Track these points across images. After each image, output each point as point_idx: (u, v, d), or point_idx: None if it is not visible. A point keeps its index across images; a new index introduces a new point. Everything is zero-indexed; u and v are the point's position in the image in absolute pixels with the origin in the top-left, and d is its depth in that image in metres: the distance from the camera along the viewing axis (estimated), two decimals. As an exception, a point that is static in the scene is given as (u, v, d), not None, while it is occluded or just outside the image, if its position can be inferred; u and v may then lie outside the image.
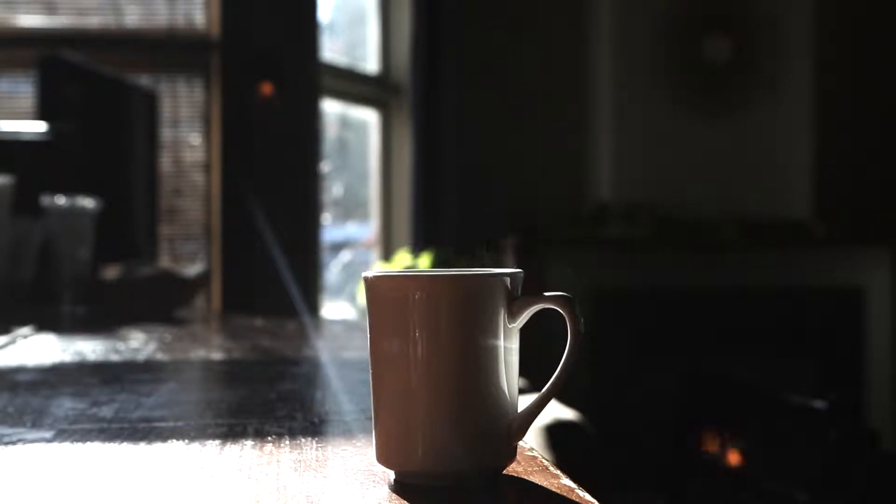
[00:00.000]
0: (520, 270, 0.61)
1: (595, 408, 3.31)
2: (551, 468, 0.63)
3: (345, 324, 2.10)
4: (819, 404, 2.85)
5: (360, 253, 4.34)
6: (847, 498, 2.76)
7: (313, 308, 3.49)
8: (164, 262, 3.37)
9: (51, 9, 3.52)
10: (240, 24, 3.50)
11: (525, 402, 0.62)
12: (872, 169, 4.30)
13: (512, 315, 0.60)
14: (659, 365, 3.84)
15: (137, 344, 1.38)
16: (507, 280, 0.60)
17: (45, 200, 1.84)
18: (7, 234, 1.77)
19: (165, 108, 3.45)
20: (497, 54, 4.12)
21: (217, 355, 1.34)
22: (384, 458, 0.60)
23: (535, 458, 0.65)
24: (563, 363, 0.60)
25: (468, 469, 0.59)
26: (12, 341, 1.36)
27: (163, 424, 0.78)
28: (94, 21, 3.56)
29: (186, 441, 0.71)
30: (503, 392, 0.60)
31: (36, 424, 0.78)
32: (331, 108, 4.06)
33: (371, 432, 0.62)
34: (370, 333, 0.61)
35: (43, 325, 1.54)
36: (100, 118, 2.39)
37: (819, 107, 4.13)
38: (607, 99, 4.06)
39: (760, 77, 4.10)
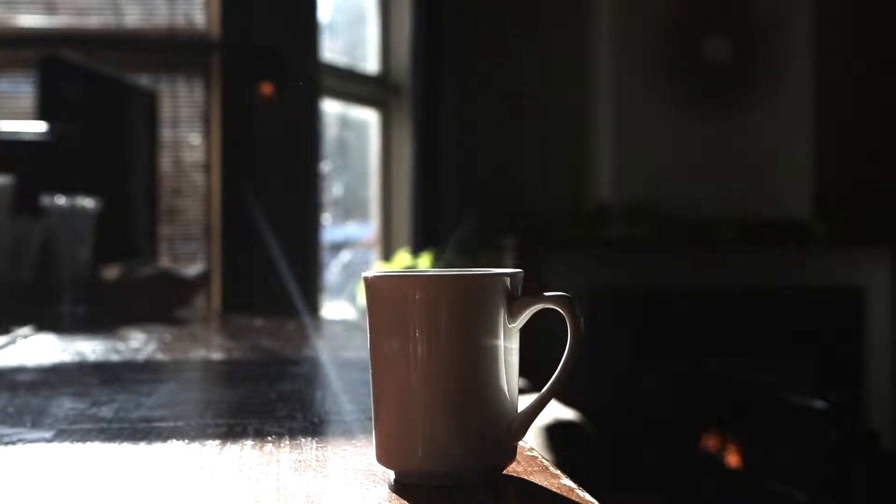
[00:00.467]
0: (520, 270, 0.61)
1: (595, 408, 3.32)
2: (551, 468, 0.63)
3: (345, 324, 2.10)
4: (819, 404, 2.85)
5: (360, 253, 4.34)
6: (847, 498, 2.77)
7: (313, 308, 3.49)
8: (164, 262, 3.37)
9: (51, 9, 3.52)
10: (240, 24, 3.50)
11: (525, 402, 0.62)
12: (872, 169, 4.30)
13: (512, 315, 0.60)
14: (659, 365, 3.84)
15: (137, 344, 1.38)
16: (507, 280, 0.60)
17: (45, 200, 1.84)
18: (7, 234, 1.77)
19: (165, 108, 3.45)
20: (497, 54, 4.12)
21: (217, 355, 1.34)
22: (384, 458, 0.60)
23: (535, 458, 0.65)
24: (563, 363, 0.60)
25: (468, 469, 0.59)
26: (12, 341, 1.36)
27: (163, 424, 0.78)
28: (94, 21, 3.56)
29: (186, 441, 0.71)
30: (503, 392, 0.60)
31: (36, 424, 0.78)
32: (331, 108, 4.06)
33: (371, 432, 0.62)
34: (370, 333, 0.61)
35: (43, 325, 1.54)
36: (100, 118, 2.39)
37: (819, 107, 4.13)
38: (607, 99, 4.06)
39: (760, 77, 4.10)
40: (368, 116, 4.23)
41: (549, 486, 0.59)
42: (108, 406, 0.86)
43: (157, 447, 0.70)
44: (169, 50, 3.58)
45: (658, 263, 3.97)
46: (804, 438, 2.87)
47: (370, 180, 4.25)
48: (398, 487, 0.58)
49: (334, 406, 0.89)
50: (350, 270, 4.27)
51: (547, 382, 0.61)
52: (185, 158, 3.61)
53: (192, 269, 2.26)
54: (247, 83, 3.49)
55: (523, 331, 0.62)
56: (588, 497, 0.56)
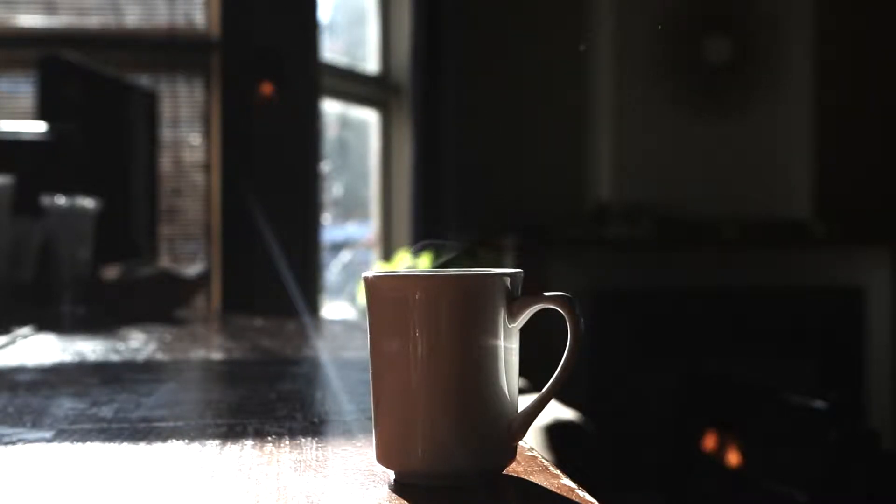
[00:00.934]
0: (520, 270, 0.61)
1: (595, 408, 3.31)
2: (551, 468, 0.63)
3: (345, 324, 2.10)
4: (819, 404, 2.85)
5: (360, 253, 4.33)
6: (847, 498, 2.76)
7: (313, 308, 3.49)
8: (164, 262, 3.36)
9: (51, 9, 3.52)
10: (240, 24, 3.50)
11: (525, 402, 0.62)
12: (872, 169, 4.30)
13: (512, 315, 0.60)
14: (659, 365, 3.84)
15: (137, 344, 1.38)
16: (507, 280, 0.60)
17: (45, 200, 1.84)
18: (7, 234, 1.77)
19: (165, 108, 3.45)
20: (497, 54, 4.11)
21: (217, 355, 1.34)
22: (384, 458, 0.60)
23: (535, 458, 0.65)
24: (563, 363, 0.60)
25: (468, 469, 0.59)
26: (12, 341, 1.36)
27: (163, 424, 0.78)
28: (94, 21, 3.56)
29: (186, 441, 0.71)
30: (503, 392, 0.60)
31: (36, 424, 0.78)
32: (331, 108, 4.06)
33: (371, 432, 0.62)
34: (370, 333, 0.61)
35: (43, 325, 1.54)
36: (100, 118, 2.39)
37: (819, 107, 4.13)
38: (607, 99, 4.06)
39: (760, 77, 4.10)
40: (368, 116, 4.23)
41: (549, 486, 0.59)
42: (108, 406, 0.86)
43: (157, 447, 0.70)
44: (169, 50, 3.58)
45: (658, 263, 3.97)
46: (804, 438, 2.87)
47: (370, 180, 4.25)
48: (398, 487, 0.58)
49: (334, 406, 0.89)
50: (350, 270, 4.27)
51: (547, 382, 0.61)
52: (185, 158, 3.61)
53: (192, 269, 2.26)
54: (247, 83, 3.48)
55: (523, 331, 0.62)
56: (588, 497, 0.56)
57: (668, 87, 4.05)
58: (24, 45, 3.41)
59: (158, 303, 1.82)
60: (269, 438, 0.72)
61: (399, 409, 0.60)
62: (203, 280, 2.12)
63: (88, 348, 1.32)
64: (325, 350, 1.41)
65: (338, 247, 4.26)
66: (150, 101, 2.74)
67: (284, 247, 3.33)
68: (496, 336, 0.59)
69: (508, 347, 0.60)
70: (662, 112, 4.05)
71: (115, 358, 1.24)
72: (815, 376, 3.99)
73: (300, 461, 0.64)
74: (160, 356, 1.27)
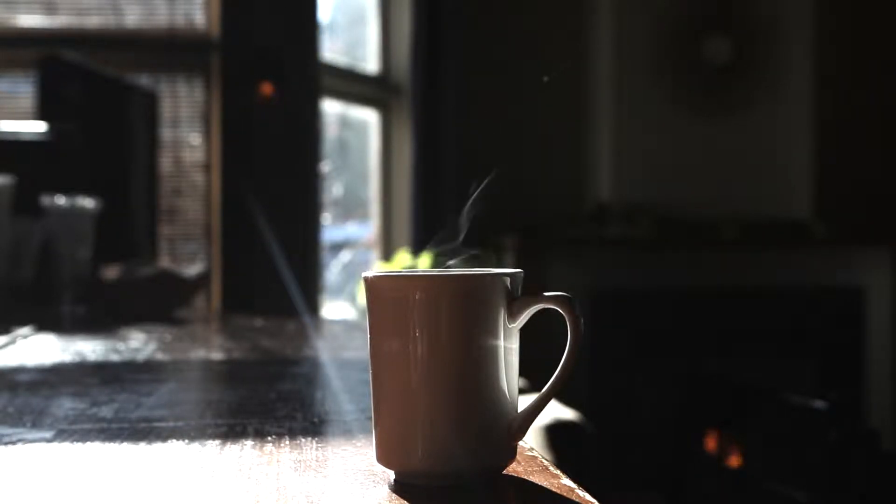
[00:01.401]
0: (520, 270, 0.61)
1: (595, 408, 3.32)
2: (551, 468, 0.63)
3: (345, 324, 2.10)
4: (819, 404, 2.85)
5: (360, 253, 4.33)
6: (847, 498, 2.77)
7: (313, 308, 3.49)
8: (164, 262, 3.36)
9: (51, 9, 3.52)
10: (240, 24, 3.50)
11: (525, 402, 0.62)
12: (872, 169, 4.30)
13: (512, 315, 0.60)
14: (659, 365, 3.84)
15: (137, 344, 1.38)
16: (507, 280, 0.60)
17: (45, 200, 1.84)
18: (7, 234, 1.77)
19: (165, 108, 3.45)
20: (497, 54, 4.12)
21: (217, 355, 1.34)
22: (384, 458, 0.60)
23: (535, 458, 0.65)
24: (563, 363, 0.60)
25: (468, 469, 0.59)
26: (12, 341, 1.36)
27: (163, 424, 0.78)
28: (94, 21, 3.56)
29: (186, 441, 0.71)
30: (503, 392, 0.60)
31: (36, 424, 0.78)
32: (331, 108, 4.06)
33: (371, 432, 0.62)
34: (370, 333, 0.61)
35: (43, 325, 1.54)
36: (100, 118, 2.39)
37: (819, 107, 4.13)
38: (607, 99, 4.06)
39: (760, 77, 4.10)
40: (368, 116, 4.23)
41: (549, 486, 0.59)
42: (108, 406, 0.86)
43: (157, 447, 0.70)
44: (169, 50, 3.58)
45: (658, 263, 3.97)
46: (804, 438, 2.87)
47: (370, 180, 4.25)
48: (398, 487, 0.58)
49: (334, 406, 0.89)
50: (350, 270, 4.27)
51: (547, 382, 0.61)
52: (185, 158, 3.61)
53: (192, 269, 2.26)
54: (247, 83, 3.49)
55: (523, 331, 0.62)
56: (588, 497, 0.56)
57: (668, 87, 4.05)
58: (24, 45, 3.41)
59: (158, 303, 1.82)
60: (269, 438, 0.72)
61: (399, 409, 0.60)
62: (203, 280, 2.12)
63: (88, 348, 1.32)
64: (325, 350, 1.41)
65: (338, 247, 4.26)
66: (150, 101, 2.74)
67: (284, 247, 3.33)
68: (496, 336, 0.59)
69: (508, 347, 0.60)
70: (662, 112, 4.05)
71: (115, 358, 1.24)
72: (815, 376, 3.99)
73: (300, 461, 0.64)
74: (160, 356, 1.27)
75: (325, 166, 3.97)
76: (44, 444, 0.71)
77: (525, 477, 0.61)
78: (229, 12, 3.50)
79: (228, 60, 3.52)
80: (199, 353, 1.34)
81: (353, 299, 4.15)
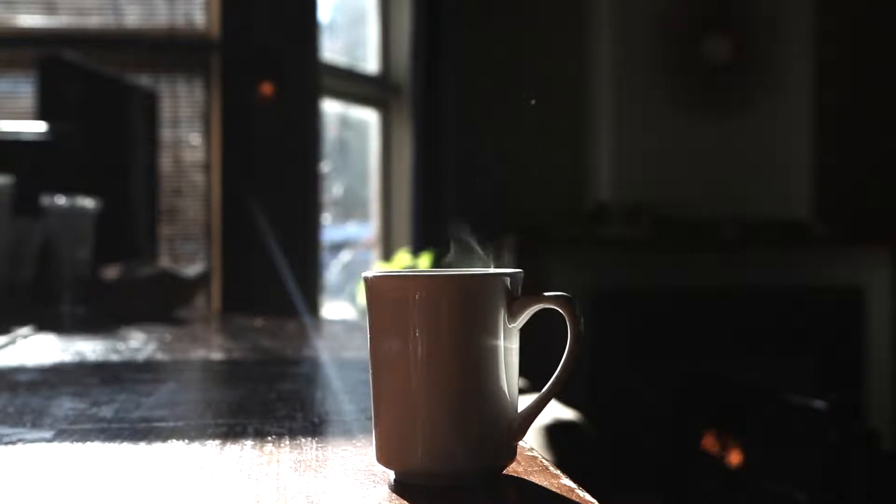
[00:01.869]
0: (520, 270, 0.61)
1: (595, 408, 3.31)
2: (551, 468, 0.63)
3: (345, 324, 2.10)
4: (819, 404, 2.85)
5: (360, 253, 4.33)
6: (847, 498, 2.76)
7: (313, 308, 3.49)
8: (164, 262, 3.36)
9: (51, 9, 3.52)
10: (240, 24, 3.50)
11: (525, 402, 0.62)
12: (872, 169, 4.30)
13: (512, 315, 0.60)
14: (659, 365, 3.84)
15: (137, 344, 1.38)
16: (507, 280, 0.60)
17: (45, 200, 1.84)
18: (7, 234, 1.77)
19: (165, 108, 3.45)
20: (497, 54, 4.11)
21: (217, 355, 1.34)
22: (384, 458, 0.60)
23: (535, 458, 0.65)
24: (563, 363, 0.60)
25: (468, 469, 0.59)
26: (12, 341, 1.36)
27: (163, 424, 0.78)
28: (94, 21, 3.56)
29: (186, 441, 0.71)
30: (503, 392, 0.60)
31: (36, 424, 0.78)
32: (331, 108, 4.06)
33: (371, 432, 0.62)
34: (370, 333, 0.61)
35: (43, 325, 1.54)
36: (100, 118, 2.39)
37: (819, 107, 4.13)
38: (607, 99, 4.06)
39: (760, 77, 4.10)
40: (368, 116, 4.23)
41: (549, 486, 0.59)
42: (108, 406, 0.86)
43: (157, 447, 0.70)
44: (169, 50, 3.58)
45: (658, 263, 3.97)
46: (804, 438, 2.87)
47: (370, 180, 4.25)
48: (398, 487, 0.58)
49: (334, 406, 0.89)
50: (350, 270, 4.27)
51: (547, 382, 0.61)
52: (185, 158, 3.61)
53: (192, 269, 2.26)
54: (247, 83, 3.49)
55: (523, 331, 0.62)
56: (588, 497, 0.56)
57: (668, 86, 4.05)
58: (24, 45, 3.41)
59: (158, 303, 1.82)
60: (269, 438, 0.72)
61: (399, 409, 0.60)
62: (203, 280, 2.12)
63: (88, 348, 1.32)
64: (325, 350, 1.41)
65: (338, 247, 4.26)
66: (150, 101, 2.74)
67: (284, 247, 3.33)
68: (496, 336, 0.59)
69: (508, 347, 0.60)
70: (662, 112, 4.05)
71: (115, 358, 1.24)
72: (815, 376, 3.98)
73: (300, 461, 0.64)
74: (160, 356, 1.27)
75: (325, 166, 3.97)
76: (44, 444, 0.71)
77: (525, 477, 0.61)
78: (229, 12, 3.50)
79: (228, 60, 3.52)
80: (199, 353, 1.34)
81: (353, 299, 4.15)
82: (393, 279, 0.60)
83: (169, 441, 0.71)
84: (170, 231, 3.55)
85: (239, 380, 1.11)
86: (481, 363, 0.59)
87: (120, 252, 2.28)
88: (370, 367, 0.61)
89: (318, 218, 3.66)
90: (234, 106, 3.51)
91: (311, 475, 0.61)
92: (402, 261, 3.67)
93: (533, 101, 3.98)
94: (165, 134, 3.45)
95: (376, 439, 0.61)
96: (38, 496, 0.58)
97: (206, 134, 3.60)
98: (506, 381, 0.60)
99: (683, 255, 4.00)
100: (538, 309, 0.60)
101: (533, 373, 0.99)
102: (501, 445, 0.60)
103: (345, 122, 4.32)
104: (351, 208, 4.40)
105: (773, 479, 2.94)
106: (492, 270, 0.62)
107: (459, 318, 0.59)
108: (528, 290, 0.61)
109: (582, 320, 0.60)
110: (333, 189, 4.26)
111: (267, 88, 3.47)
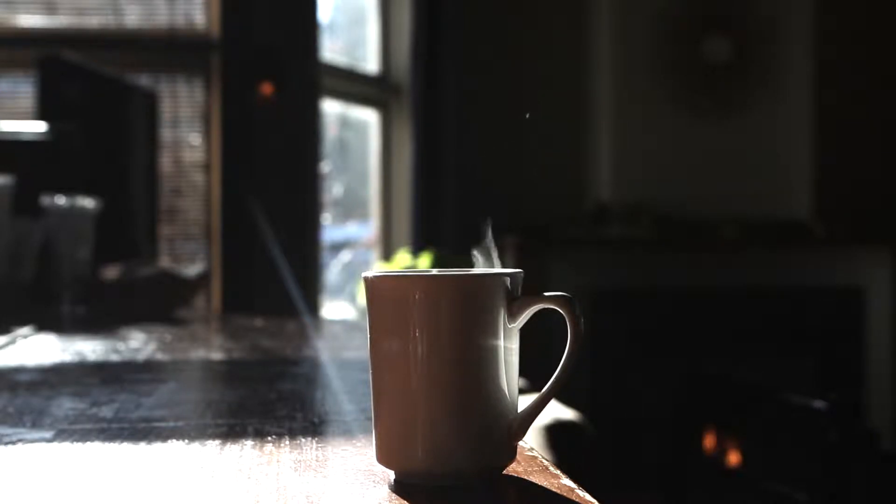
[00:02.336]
0: (520, 270, 0.61)
1: (595, 408, 3.32)
2: (551, 468, 0.63)
3: (345, 324, 2.10)
4: (819, 404, 2.85)
5: (360, 253, 4.34)
6: (847, 498, 2.76)
7: (313, 308, 3.49)
8: (164, 262, 3.37)
9: (51, 9, 3.52)
10: (240, 24, 3.50)
11: (525, 402, 0.62)
12: (872, 169, 4.30)
13: (512, 315, 0.60)
14: (659, 365, 3.84)
15: (137, 344, 1.38)
16: (507, 280, 0.60)
17: (45, 200, 1.84)
18: (7, 234, 1.77)
19: (165, 108, 3.45)
20: (497, 55, 4.11)
21: (217, 355, 1.34)
22: (384, 458, 0.60)
23: (535, 458, 0.65)
24: (563, 363, 0.60)
25: (468, 469, 0.59)
26: (12, 341, 1.36)
27: (163, 424, 0.78)
28: (94, 21, 3.56)
29: (186, 441, 0.71)
30: (503, 392, 0.60)
31: (36, 424, 0.78)
32: (331, 108, 4.06)
33: (371, 432, 0.62)
34: (370, 333, 0.61)
35: (43, 325, 1.54)
36: (100, 118, 2.39)
37: (819, 107, 4.13)
38: (607, 99, 4.06)
39: (760, 77, 4.10)
40: (368, 116, 4.23)
41: (549, 486, 0.59)
42: (108, 406, 0.86)
43: (157, 447, 0.70)
44: (169, 50, 3.58)
45: (658, 263, 3.97)
46: (804, 438, 2.87)
47: (370, 180, 4.25)
48: (398, 487, 0.58)
49: (334, 406, 0.89)
50: (350, 270, 4.27)
51: (547, 382, 0.61)
52: (185, 158, 3.61)
53: (192, 269, 2.27)
54: (247, 83, 3.49)
55: (523, 331, 0.62)
56: (588, 497, 0.56)
57: (667, 86, 4.05)
58: (24, 45, 3.41)
59: (158, 303, 1.82)
60: (269, 438, 0.72)
61: (399, 409, 0.60)
62: (203, 280, 2.12)
63: (88, 348, 1.32)
64: (325, 350, 1.41)
65: (338, 247, 4.26)
66: (150, 101, 2.74)
67: (284, 247, 3.33)
68: (496, 336, 0.59)
69: (508, 347, 0.60)
70: (662, 112, 4.05)
71: (115, 358, 1.24)
72: (815, 376, 3.99)
73: (300, 461, 0.64)
74: (160, 356, 1.27)
75: (325, 166, 3.97)
76: (44, 444, 0.71)
77: (525, 477, 0.61)
78: (229, 12, 3.50)
79: (228, 60, 3.52)
80: (199, 353, 1.34)
81: (353, 299, 4.15)
82: (393, 279, 0.60)
83: (169, 441, 0.71)
84: (170, 231, 3.55)
85: (239, 380, 1.12)
86: (481, 363, 0.59)
87: (120, 252, 2.28)
88: (370, 367, 0.62)
89: (318, 218, 3.66)
90: (234, 106, 3.51)
91: (311, 475, 0.61)
92: (402, 261, 3.67)
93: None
94: (165, 134, 3.45)
95: (376, 439, 0.61)
96: (38, 496, 0.58)
97: (206, 134, 3.60)
98: (506, 381, 0.60)
99: (683, 255, 4.00)
100: (538, 309, 0.60)
101: (533, 373, 0.99)
102: (501, 445, 0.60)
103: (345, 122, 4.32)
104: (351, 208, 4.40)
105: (773, 479, 2.94)
106: (492, 270, 0.62)
107: (459, 318, 0.59)
108: (528, 290, 0.61)
109: (582, 320, 0.60)
110: (333, 189, 4.26)
111: (267, 88, 3.47)
